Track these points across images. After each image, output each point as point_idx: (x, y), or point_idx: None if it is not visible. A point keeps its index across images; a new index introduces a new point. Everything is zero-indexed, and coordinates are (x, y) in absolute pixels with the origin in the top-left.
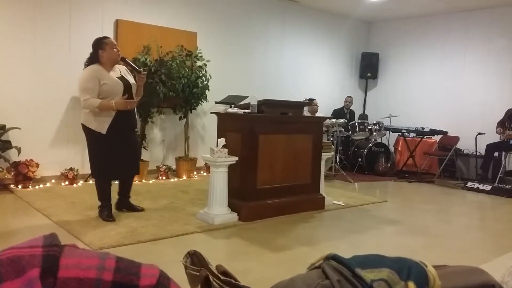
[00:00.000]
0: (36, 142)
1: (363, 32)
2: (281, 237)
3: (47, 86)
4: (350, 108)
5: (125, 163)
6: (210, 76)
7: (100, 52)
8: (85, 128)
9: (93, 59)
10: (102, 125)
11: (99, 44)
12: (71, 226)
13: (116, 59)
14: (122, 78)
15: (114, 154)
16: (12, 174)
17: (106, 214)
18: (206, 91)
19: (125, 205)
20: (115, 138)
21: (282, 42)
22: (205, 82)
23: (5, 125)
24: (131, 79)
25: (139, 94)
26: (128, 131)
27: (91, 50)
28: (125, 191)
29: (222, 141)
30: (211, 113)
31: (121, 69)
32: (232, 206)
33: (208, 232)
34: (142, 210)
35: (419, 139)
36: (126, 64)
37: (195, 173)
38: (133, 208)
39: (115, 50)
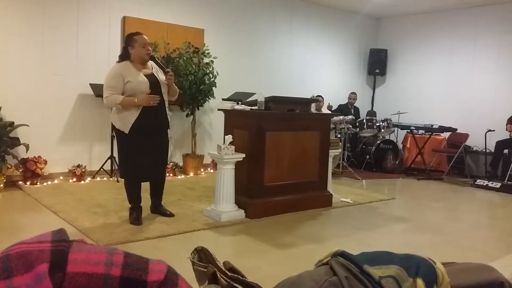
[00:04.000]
0: (44, 139)
1: (371, 28)
2: (288, 234)
3: (55, 83)
4: (354, 104)
5: (149, 165)
6: (217, 73)
7: (129, 49)
8: (113, 126)
9: (124, 56)
10: (125, 125)
11: (129, 40)
12: (79, 222)
13: (144, 58)
14: (151, 76)
15: (138, 155)
16: (21, 170)
17: (133, 217)
18: (213, 88)
19: (155, 209)
20: (139, 138)
21: (290, 39)
22: (212, 79)
23: (13, 122)
24: (161, 77)
25: (171, 93)
26: (154, 132)
27: (98, 46)
28: (155, 194)
29: (229, 138)
30: (218, 110)
31: (154, 66)
32: (239, 203)
33: (215, 229)
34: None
35: (428, 136)
36: (155, 63)
37: (202, 170)
38: (161, 213)
39: (144, 48)
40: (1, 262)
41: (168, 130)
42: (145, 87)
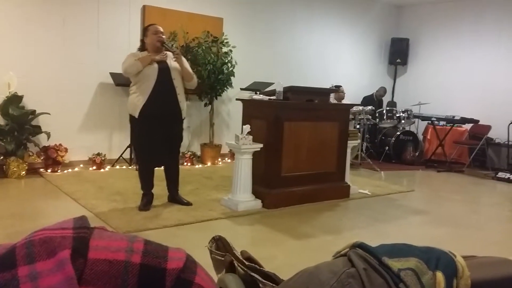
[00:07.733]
0: (65, 127)
1: (392, 16)
2: (305, 225)
3: (76, 72)
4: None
5: (159, 151)
6: (235, 62)
7: (145, 40)
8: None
9: (141, 48)
10: (134, 109)
11: (144, 32)
12: (99, 209)
13: (155, 44)
14: (163, 62)
15: (149, 140)
16: (42, 158)
17: (142, 203)
18: (232, 77)
19: (172, 198)
20: (149, 124)
21: (309, 28)
22: (230, 69)
23: (35, 110)
24: (173, 64)
25: (186, 78)
26: (164, 118)
27: (118, 35)
28: (170, 183)
29: (247, 128)
30: (237, 99)
31: (169, 56)
32: (256, 193)
33: (232, 218)
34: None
35: (449, 127)
36: (165, 47)
37: (219, 159)
38: (179, 202)
39: (156, 35)
40: (25, 247)
41: (184, 119)
42: (153, 72)
